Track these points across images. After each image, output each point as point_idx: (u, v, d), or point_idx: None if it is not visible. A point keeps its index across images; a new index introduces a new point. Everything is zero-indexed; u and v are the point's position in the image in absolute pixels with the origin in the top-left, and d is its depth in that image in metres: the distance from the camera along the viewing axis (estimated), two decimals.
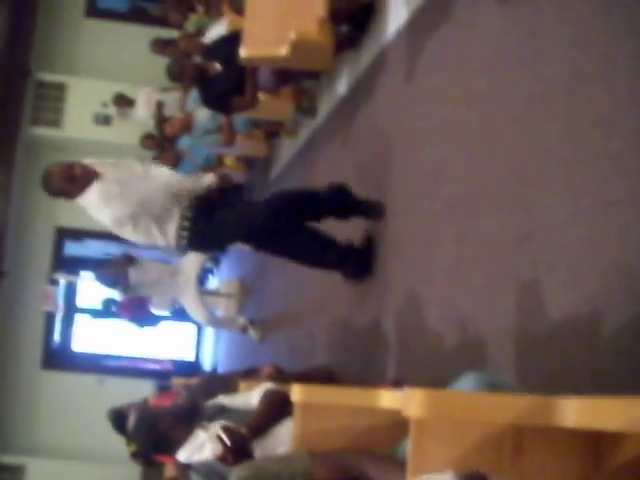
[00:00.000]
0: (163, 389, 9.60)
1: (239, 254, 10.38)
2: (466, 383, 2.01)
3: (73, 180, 4.38)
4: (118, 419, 5.18)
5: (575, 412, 1.53)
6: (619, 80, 2.57)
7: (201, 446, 3.15)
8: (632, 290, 2.36)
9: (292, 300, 6.90)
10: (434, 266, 3.82)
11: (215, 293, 10.11)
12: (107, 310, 10.06)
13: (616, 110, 2.55)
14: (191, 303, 8.28)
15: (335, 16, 5.45)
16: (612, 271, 2.46)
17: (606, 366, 2.45)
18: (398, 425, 2.05)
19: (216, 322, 9.24)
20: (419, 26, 4.52)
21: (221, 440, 2.91)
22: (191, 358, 12.95)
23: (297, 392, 2.60)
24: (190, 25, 8.82)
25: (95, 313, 11.85)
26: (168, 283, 8.16)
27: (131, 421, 4.38)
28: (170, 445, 3.29)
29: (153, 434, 3.37)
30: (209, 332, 12.09)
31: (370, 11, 5.41)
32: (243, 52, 5.63)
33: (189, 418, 3.34)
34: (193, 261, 8.26)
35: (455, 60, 3.97)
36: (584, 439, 1.72)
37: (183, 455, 3.24)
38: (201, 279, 9.13)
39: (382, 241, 4.58)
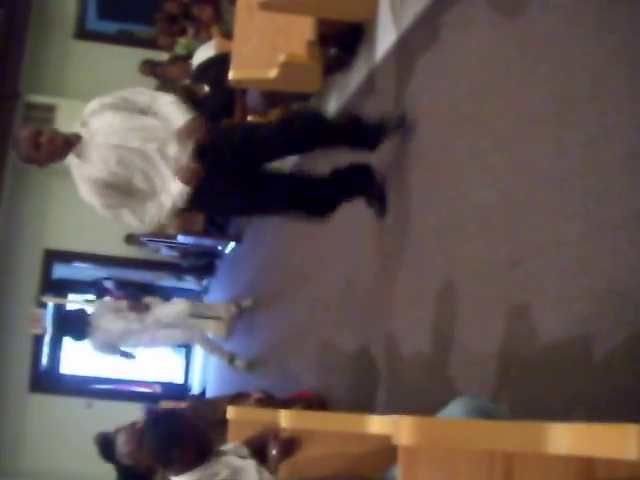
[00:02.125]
0: (151, 413, 9.53)
1: (228, 276, 10.37)
2: (456, 409, 1.99)
3: (38, 147, 4.04)
4: (105, 445, 5.13)
5: (566, 438, 1.51)
6: (608, 103, 2.56)
7: (213, 475, 3.08)
8: (623, 314, 2.35)
9: (283, 324, 6.87)
10: (424, 290, 3.80)
11: (204, 315, 10.05)
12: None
13: (605, 133, 2.55)
14: (170, 336, 8.45)
15: (324, 38, 5.46)
16: (603, 295, 2.45)
17: (597, 390, 2.43)
18: (388, 451, 2.03)
19: (207, 344, 9.26)
20: (408, 48, 4.53)
21: None
22: (180, 381, 12.90)
23: (286, 418, 2.57)
24: (180, 48, 8.83)
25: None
26: (136, 330, 8.19)
27: (120, 440, 4.34)
28: (170, 464, 3.20)
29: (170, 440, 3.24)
30: (198, 355, 12.04)
31: (359, 33, 5.41)
32: (232, 74, 5.63)
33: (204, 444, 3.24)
34: (165, 311, 8.39)
35: (443, 82, 3.97)
36: (576, 465, 1.70)
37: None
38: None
39: (373, 265, 4.57)
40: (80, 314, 8.28)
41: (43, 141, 4.00)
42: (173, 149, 4.06)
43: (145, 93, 4.30)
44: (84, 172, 4.05)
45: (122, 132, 4.07)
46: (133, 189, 4.10)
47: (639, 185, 2.36)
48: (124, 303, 8.46)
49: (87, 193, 4.09)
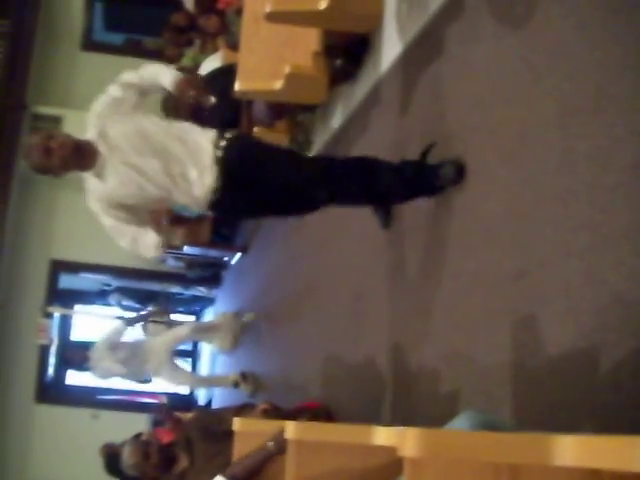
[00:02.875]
0: (157, 423, 9.54)
1: (234, 287, 10.37)
2: (462, 422, 1.98)
3: (49, 153, 3.72)
4: (111, 459, 5.13)
5: (572, 450, 1.51)
6: (614, 114, 2.56)
7: None
8: (630, 325, 2.34)
9: (289, 335, 6.87)
10: (430, 302, 3.79)
11: (210, 327, 10.06)
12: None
13: (611, 144, 2.55)
14: (169, 377, 8.51)
15: (330, 50, 5.47)
16: (610, 306, 2.44)
17: (604, 402, 2.43)
18: (393, 462, 2.03)
19: (203, 382, 9.40)
20: (413, 60, 4.53)
21: None
22: (186, 392, 12.88)
23: (292, 429, 2.57)
24: (187, 60, 8.85)
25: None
26: (137, 363, 8.21)
27: (125, 452, 4.33)
28: None
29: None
30: (204, 366, 12.03)
31: (365, 45, 5.42)
32: (238, 86, 5.64)
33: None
34: (164, 340, 8.40)
35: (449, 94, 3.97)
36: (582, 477, 1.69)
37: None
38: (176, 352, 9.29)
39: (378, 277, 4.57)
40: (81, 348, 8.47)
41: (54, 146, 3.71)
42: (193, 174, 3.77)
43: (132, 79, 4.06)
44: (101, 191, 3.84)
45: (143, 150, 3.78)
46: (142, 212, 3.98)
47: None
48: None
49: (99, 211, 3.93)
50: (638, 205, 2.37)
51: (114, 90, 4.01)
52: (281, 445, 3.18)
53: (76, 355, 8.26)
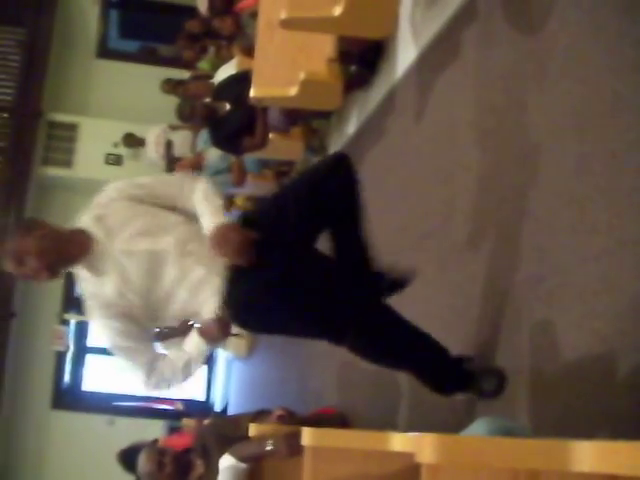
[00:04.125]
0: (173, 430, 9.55)
1: None
2: (479, 428, 1.97)
3: (21, 263, 2.98)
4: (129, 456, 5.12)
5: (590, 456, 1.50)
6: (629, 117, 2.56)
7: None
8: None
9: (303, 341, 6.86)
10: (445, 307, 3.79)
11: None
12: None
13: (627, 147, 2.54)
14: None
15: (344, 56, 5.48)
16: (627, 311, 2.43)
17: (621, 408, 2.42)
18: (411, 469, 2.02)
19: None
20: (428, 65, 4.54)
21: None
22: (202, 398, 12.89)
23: (308, 436, 2.56)
24: (205, 64, 8.88)
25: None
26: None
27: (141, 458, 4.34)
28: None
29: None
30: (220, 371, 12.03)
31: (379, 51, 5.43)
32: (253, 92, 5.66)
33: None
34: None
35: (463, 99, 3.97)
36: None
37: None
38: None
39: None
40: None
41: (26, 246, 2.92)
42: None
43: (173, 185, 3.15)
44: (96, 290, 3.01)
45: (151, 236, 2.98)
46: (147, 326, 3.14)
47: None
48: None
49: (98, 322, 3.06)
50: None
51: (147, 180, 3.19)
52: (280, 448, 3.20)
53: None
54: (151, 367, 3.06)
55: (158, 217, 3.02)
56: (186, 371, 3.08)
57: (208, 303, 2.94)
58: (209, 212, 2.95)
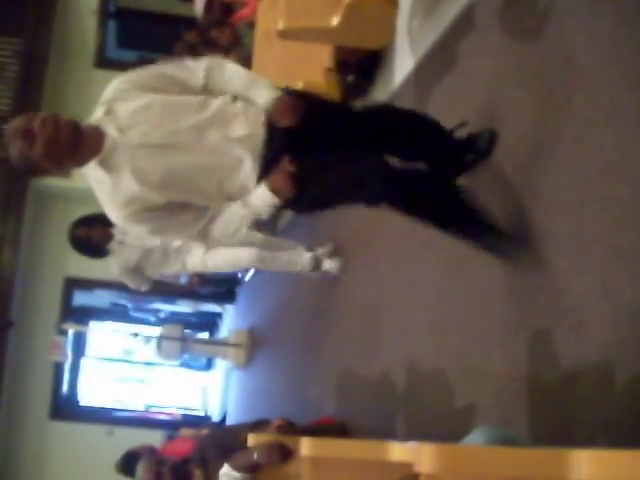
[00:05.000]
0: (172, 439, 9.54)
1: (248, 303, 10.37)
2: (478, 437, 1.98)
3: (31, 138, 2.68)
4: (128, 462, 5.12)
5: (589, 465, 1.50)
6: (627, 127, 2.56)
7: None
8: None
9: (302, 351, 6.86)
10: (444, 316, 3.79)
11: (223, 343, 10.07)
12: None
13: (624, 156, 2.55)
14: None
15: (342, 66, 5.49)
16: (624, 320, 2.43)
17: (620, 416, 2.42)
18: (410, 479, 2.02)
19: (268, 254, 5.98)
20: (425, 75, 4.54)
21: None
22: (200, 408, 12.88)
23: (307, 446, 2.56)
24: None
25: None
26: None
27: (140, 467, 4.33)
28: None
29: None
30: (219, 382, 12.03)
31: (377, 61, 5.44)
32: None
33: None
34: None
35: (461, 109, 3.98)
36: None
37: None
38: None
39: (393, 292, 4.57)
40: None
41: (36, 127, 2.66)
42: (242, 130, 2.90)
43: (198, 69, 2.96)
44: (114, 190, 2.83)
45: (168, 121, 2.81)
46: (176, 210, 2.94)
47: None
48: None
49: (122, 219, 2.89)
50: None
51: (165, 68, 3.01)
52: (265, 457, 3.21)
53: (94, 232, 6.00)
54: (204, 234, 2.95)
55: (175, 103, 2.87)
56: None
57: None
58: (261, 86, 2.92)
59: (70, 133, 2.71)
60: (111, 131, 2.80)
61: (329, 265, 5.76)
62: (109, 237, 5.95)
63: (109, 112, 2.84)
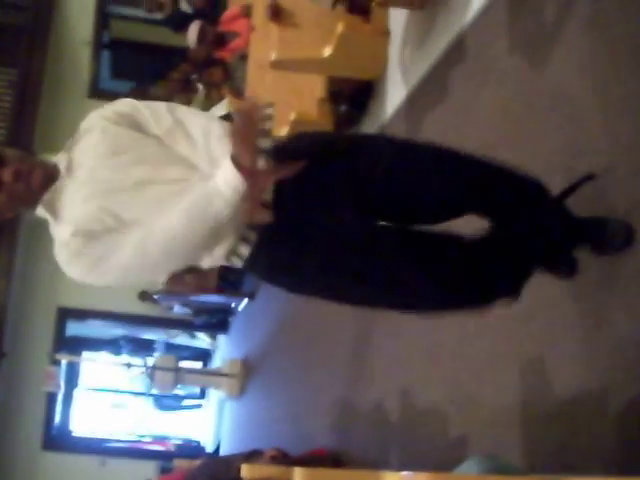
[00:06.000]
0: (165, 471, 9.49)
1: (241, 333, 10.36)
2: (471, 467, 1.97)
3: None
4: None
5: None
6: (617, 154, 2.58)
7: None
8: (638, 366, 2.34)
9: (296, 381, 6.84)
10: (438, 345, 3.79)
11: (217, 373, 10.04)
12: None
13: (613, 184, 2.56)
14: None
15: (334, 96, 5.52)
16: (618, 347, 2.44)
17: (614, 444, 2.42)
18: None
19: None
20: (417, 105, 4.57)
21: None
22: (194, 439, 12.82)
23: (300, 476, 2.55)
24: (196, 105, 8.91)
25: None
26: None
27: None
28: None
29: None
30: (212, 412, 11.98)
31: (369, 91, 5.47)
32: None
33: None
34: None
35: (453, 137, 4.00)
36: None
37: None
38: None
39: (386, 322, 4.57)
40: None
41: (7, 179, 2.37)
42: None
43: (164, 115, 2.46)
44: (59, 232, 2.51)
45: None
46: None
47: None
48: None
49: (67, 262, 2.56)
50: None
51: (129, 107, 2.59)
52: None
53: None
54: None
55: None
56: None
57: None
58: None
59: (40, 186, 2.43)
60: (62, 164, 2.46)
61: None
62: None
63: (68, 148, 2.50)
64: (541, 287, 2.89)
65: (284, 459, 4.71)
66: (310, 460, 4.73)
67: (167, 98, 9.90)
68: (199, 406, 13.21)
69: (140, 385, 12.94)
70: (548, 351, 2.82)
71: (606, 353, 2.50)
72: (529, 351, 2.94)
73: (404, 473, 1.83)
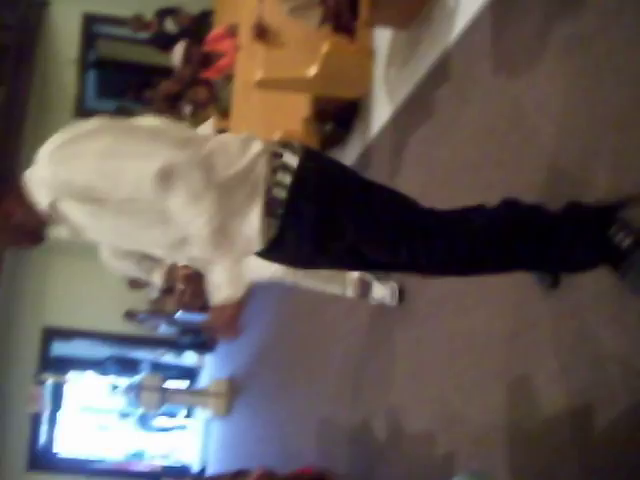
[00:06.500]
0: None
1: (228, 352, 10.33)
2: None
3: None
4: None
5: None
6: (599, 172, 2.60)
7: None
8: (624, 382, 2.35)
9: (283, 399, 6.83)
10: (424, 364, 3.79)
11: (203, 393, 10.00)
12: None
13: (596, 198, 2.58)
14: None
15: (320, 115, 5.54)
16: (603, 363, 2.45)
17: (600, 460, 2.42)
18: None
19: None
20: (402, 124, 4.60)
21: None
22: (181, 459, 12.75)
23: None
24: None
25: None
26: None
27: None
28: None
29: None
30: (199, 432, 11.93)
31: (354, 110, 5.50)
32: None
33: None
34: None
35: (438, 157, 4.02)
36: None
37: None
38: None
39: (372, 339, 4.57)
40: None
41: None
42: None
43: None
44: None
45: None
46: None
47: None
48: None
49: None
50: None
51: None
52: None
53: None
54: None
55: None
56: None
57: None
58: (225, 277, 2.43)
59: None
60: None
61: (381, 292, 4.35)
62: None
63: (54, 203, 2.42)
64: (525, 305, 2.91)
65: (271, 478, 4.70)
66: (297, 479, 4.72)
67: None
68: (183, 427, 13.15)
69: (125, 405, 12.89)
70: (533, 369, 2.83)
71: (591, 369, 2.51)
72: (515, 369, 2.95)
73: None
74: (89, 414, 13.47)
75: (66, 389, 12.72)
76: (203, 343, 11.33)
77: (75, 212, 2.38)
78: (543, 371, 2.76)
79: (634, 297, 2.33)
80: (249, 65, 5.65)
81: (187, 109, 8.86)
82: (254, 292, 5.93)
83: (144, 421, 12.31)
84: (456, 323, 3.50)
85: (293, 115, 5.41)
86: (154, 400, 9.50)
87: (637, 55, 2.53)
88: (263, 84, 5.12)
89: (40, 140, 2.59)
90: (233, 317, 2.46)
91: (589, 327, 2.54)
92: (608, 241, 2.37)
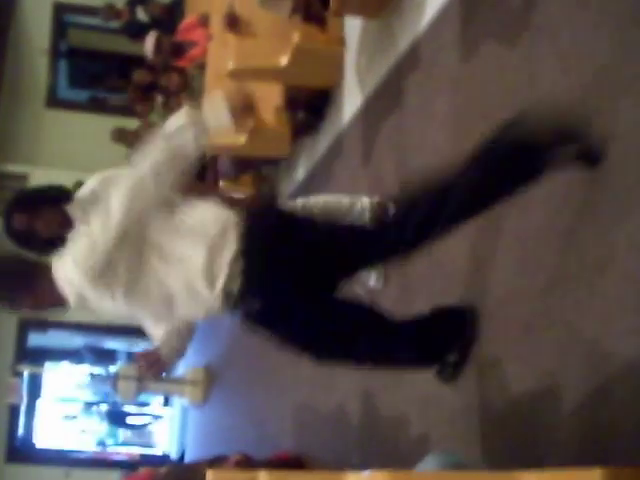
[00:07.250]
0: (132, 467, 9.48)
1: (204, 340, 10.35)
2: (430, 463, 2.03)
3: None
4: None
5: None
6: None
7: None
8: (590, 363, 2.41)
9: (259, 385, 6.87)
10: None
11: (180, 381, 10.03)
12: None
13: (567, 191, 2.64)
14: None
15: (292, 103, 5.57)
16: (569, 345, 2.51)
17: (567, 437, 2.48)
18: None
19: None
20: (373, 111, 4.64)
21: None
22: (159, 447, 12.78)
23: (265, 479, 2.60)
24: (156, 115, 8.89)
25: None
26: None
27: None
28: None
29: None
30: (176, 420, 11.95)
31: (326, 98, 5.53)
32: None
33: None
34: None
35: (408, 144, 4.07)
36: None
37: None
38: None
39: None
40: None
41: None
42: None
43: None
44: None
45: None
46: None
47: (598, 235, 2.44)
48: None
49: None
50: (593, 243, 2.46)
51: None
52: None
53: None
54: None
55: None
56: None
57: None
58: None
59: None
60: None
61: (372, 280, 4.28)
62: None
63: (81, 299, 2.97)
64: (492, 287, 2.97)
65: (248, 463, 4.75)
66: (274, 463, 4.77)
67: (125, 106, 9.87)
68: (159, 417, 13.17)
69: (99, 395, 12.87)
70: (503, 351, 2.89)
71: (558, 351, 2.57)
72: (485, 352, 3.01)
73: (365, 472, 1.89)
74: (66, 405, 13.46)
75: (43, 380, 12.70)
76: None
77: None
78: (512, 353, 2.82)
79: (596, 276, 2.39)
80: (221, 54, 5.67)
81: (159, 99, 8.85)
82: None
83: (115, 416, 12.33)
84: (425, 304, 3.55)
85: (265, 104, 5.44)
86: (131, 389, 9.51)
87: (600, 44, 2.59)
88: (235, 74, 5.15)
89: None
90: (157, 361, 3.27)
91: (555, 310, 2.60)
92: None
